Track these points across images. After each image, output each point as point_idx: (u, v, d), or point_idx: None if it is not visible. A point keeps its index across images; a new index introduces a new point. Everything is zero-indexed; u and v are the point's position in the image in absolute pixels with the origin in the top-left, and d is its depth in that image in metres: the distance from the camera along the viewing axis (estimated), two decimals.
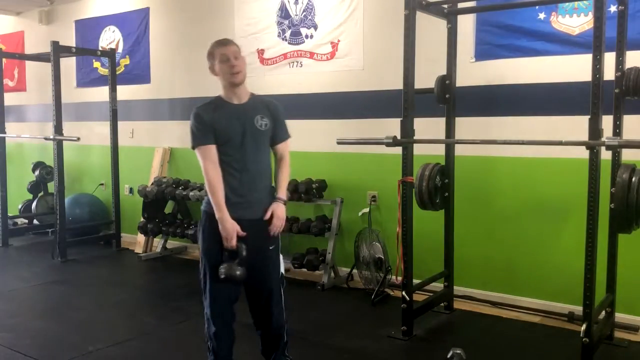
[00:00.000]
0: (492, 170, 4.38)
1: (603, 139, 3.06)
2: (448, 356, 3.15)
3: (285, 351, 2.92)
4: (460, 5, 4.01)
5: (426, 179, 3.80)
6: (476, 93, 4.36)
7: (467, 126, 4.23)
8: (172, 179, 6.03)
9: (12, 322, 4.09)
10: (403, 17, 3.59)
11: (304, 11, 5.30)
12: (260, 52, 5.58)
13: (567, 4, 3.92)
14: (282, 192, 2.81)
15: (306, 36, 5.30)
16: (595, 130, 3.06)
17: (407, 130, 3.62)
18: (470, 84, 4.32)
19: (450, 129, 4.09)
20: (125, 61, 6.75)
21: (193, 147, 2.72)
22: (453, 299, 4.27)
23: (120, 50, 6.75)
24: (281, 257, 2.88)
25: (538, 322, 4.03)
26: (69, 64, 7.00)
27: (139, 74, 6.62)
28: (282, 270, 2.88)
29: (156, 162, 6.42)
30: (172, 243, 6.27)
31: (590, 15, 3.79)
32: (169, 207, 6.21)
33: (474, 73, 4.36)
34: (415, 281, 3.89)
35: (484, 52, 4.35)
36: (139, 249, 6.25)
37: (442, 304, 4.21)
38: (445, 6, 3.95)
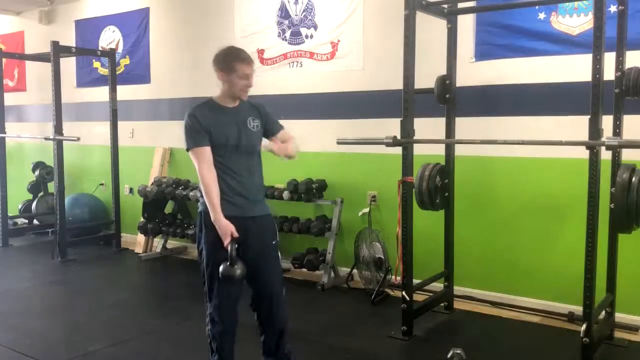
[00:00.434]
0: (492, 170, 4.38)
1: (603, 139, 3.06)
2: (448, 356, 3.15)
3: (286, 348, 2.94)
4: (460, 5, 4.01)
5: (426, 179, 3.80)
6: (476, 93, 4.35)
7: (467, 126, 4.23)
8: (172, 179, 6.03)
9: (12, 322, 4.09)
10: (403, 17, 3.59)
11: (304, 11, 5.30)
12: (260, 52, 5.58)
13: (567, 4, 3.92)
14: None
15: (306, 36, 5.30)
16: (595, 130, 3.06)
17: (407, 130, 3.62)
18: (470, 84, 4.32)
19: (450, 129, 4.09)
20: (125, 61, 6.75)
21: (187, 149, 2.73)
22: (453, 299, 4.27)
23: (120, 50, 6.75)
24: (279, 252, 2.95)
25: (538, 322, 4.03)
26: (69, 64, 7.00)
27: (139, 74, 6.62)
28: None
29: (156, 162, 6.42)
30: (172, 243, 6.27)
31: (590, 15, 3.79)
32: (169, 207, 6.21)
33: (474, 73, 4.36)
34: (415, 281, 3.89)
35: (484, 52, 4.35)
36: (139, 249, 6.25)
37: (442, 304, 4.21)
38: (445, 6, 3.95)
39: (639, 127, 3.60)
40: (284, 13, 5.43)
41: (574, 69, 3.93)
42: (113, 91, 6.29)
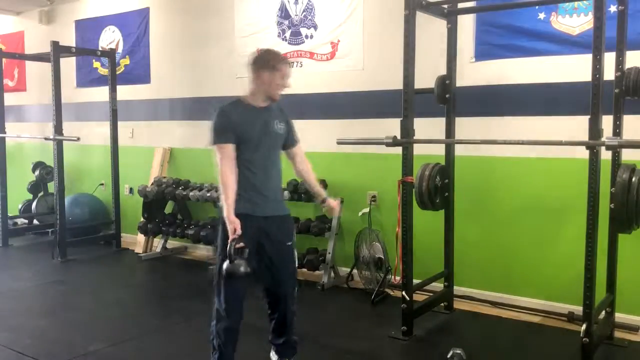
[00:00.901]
0: (492, 170, 4.38)
1: (603, 139, 3.06)
2: (448, 356, 3.15)
3: (293, 338, 3.11)
4: (460, 5, 4.01)
5: (426, 179, 3.80)
6: (476, 93, 4.35)
7: (467, 126, 4.23)
8: (172, 179, 6.03)
9: (12, 322, 4.09)
10: (403, 17, 3.59)
11: (304, 11, 5.30)
12: None
13: (567, 4, 3.92)
14: (322, 191, 3.17)
15: (306, 36, 5.30)
16: (595, 130, 3.06)
17: (407, 130, 3.62)
18: (470, 84, 4.32)
19: (450, 129, 4.09)
20: (125, 61, 6.75)
21: (212, 144, 2.81)
22: (453, 299, 4.27)
23: (120, 50, 6.75)
24: (295, 251, 3.08)
25: (538, 322, 4.03)
26: (69, 64, 7.00)
27: (139, 74, 6.62)
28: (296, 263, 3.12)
29: (156, 162, 6.42)
30: (172, 243, 6.27)
31: (590, 15, 3.79)
32: (169, 207, 6.21)
33: (474, 73, 4.36)
34: (415, 281, 3.89)
35: (484, 52, 4.35)
36: (139, 249, 6.25)
37: (442, 304, 4.21)
38: (445, 6, 3.95)
39: (639, 127, 3.60)
40: (284, 13, 5.43)
41: (574, 69, 3.93)
42: (113, 91, 6.29)
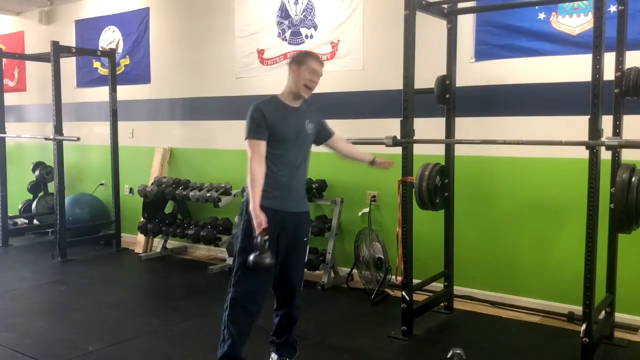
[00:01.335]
0: (492, 170, 4.38)
1: (603, 139, 3.06)
2: (448, 356, 3.15)
3: (294, 336, 3.21)
4: (460, 5, 4.01)
5: (426, 179, 3.80)
6: (476, 93, 4.36)
7: (467, 126, 4.23)
8: (172, 179, 6.03)
9: (12, 322, 4.09)
10: (403, 17, 3.59)
11: (304, 11, 5.30)
12: (260, 52, 5.59)
13: (567, 4, 3.92)
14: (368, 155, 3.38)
15: (306, 36, 5.30)
16: (595, 130, 3.06)
17: (407, 130, 3.62)
18: (470, 84, 4.32)
19: (450, 129, 4.09)
20: (125, 61, 6.75)
21: (246, 139, 2.88)
22: (453, 299, 4.27)
23: (120, 50, 6.75)
24: (308, 247, 3.22)
25: (538, 322, 4.03)
26: (69, 64, 7.01)
27: (139, 74, 6.63)
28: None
29: (156, 162, 6.42)
30: (172, 243, 6.28)
31: (590, 15, 3.79)
32: (169, 207, 6.21)
33: (474, 73, 4.36)
34: (415, 281, 3.89)
35: (483, 52, 4.35)
36: (139, 249, 6.25)
37: (442, 304, 4.21)
38: (445, 6, 3.95)
39: (639, 127, 3.60)
40: (284, 13, 5.43)
41: (573, 69, 3.93)
42: (113, 91, 6.29)
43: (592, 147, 3.08)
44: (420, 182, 3.80)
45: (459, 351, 3.16)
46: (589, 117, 3.07)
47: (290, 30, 5.40)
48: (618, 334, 3.71)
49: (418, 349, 3.62)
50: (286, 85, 2.96)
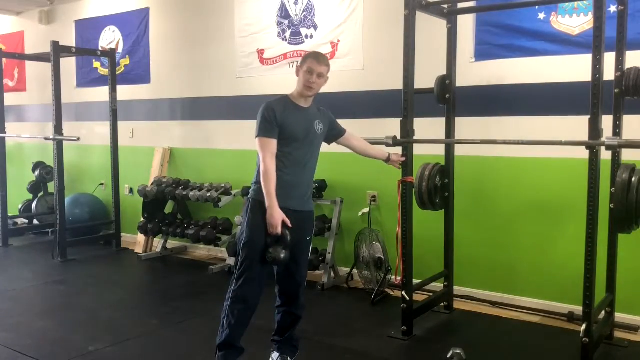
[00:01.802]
0: (492, 170, 4.38)
1: (603, 139, 3.06)
2: (448, 356, 3.15)
3: (296, 334, 3.24)
4: (460, 5, 4.01)
5: (426, 179, 3.80)
6: (476, 93, 4.35)
7: (467, 126, 4.23)
8: (172, 179, 6.03)
9: (12, 322, 4.09)
10: (403, 17, 3.59)
11: (304, 11, 5.30)
12: (260, 52, 5.59)
13: (567, 4, 3.92)
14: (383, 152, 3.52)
15: (306, 36, 5.30)
16: (595, 130, 3.06)
17: (407, 130, 3.62)
18: (470, 84, 4.32)
19: (450, 129, 4.09)
20: (125, 61, 6.75)
21: (257, 137, 2.93)
22: (453, 299, 4.27)
23: (120, 50, 6.75)
24: (310, 246, 3.29)
25: (538, 322, 4.03)
26: (69, 64, 7.00)
27: (139, 74, 6.62)
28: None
29: (156, 162, 6.42)
30: (172, 243, 6.28)
31: (590, 15, 3.79)
32: (169, 207, 6.21)
33: (474, 73, 4.36)
34: (415, 281, 3.89)
35: (483, 52, 4.35)
36: (139, 249, 6.25)
37: (442, 304, 4.21)
38: (445, 6, 3.95)
39: (639, 127, 3.60)
40: (284, 13, 5.43)
41: (574, 69, 3.93)
42: (113, 91, 6.29)
43: (592, 147, 3.08)
44: (420, 182, 3.80)
45: (459, 351, 3.16)
46: (589, 117, 3.07)
47: (290, 30, 5.40)
48: (618, 334, 3.71)
49: (418, 349, 3.62)
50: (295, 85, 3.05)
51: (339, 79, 5.07)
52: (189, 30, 6.18)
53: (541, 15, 4.09)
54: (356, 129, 4.82)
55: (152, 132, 6.59)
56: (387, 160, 3.54)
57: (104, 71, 6.90)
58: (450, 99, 4.06)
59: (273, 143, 2.90)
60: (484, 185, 4.42)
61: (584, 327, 3.14)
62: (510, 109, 4.25)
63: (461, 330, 3.99)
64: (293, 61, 5.35)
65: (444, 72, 4.08)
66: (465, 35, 4.32)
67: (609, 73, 3.26)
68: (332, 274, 4.98)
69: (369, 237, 4.72)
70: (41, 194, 7.35)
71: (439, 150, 4.13)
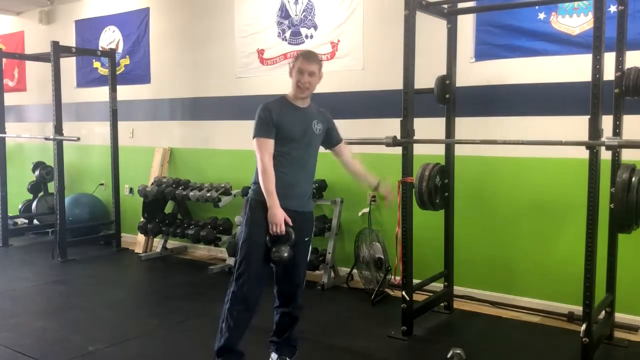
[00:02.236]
0: (492, 170, 4.38)
1: (603, 139, 3.06)
2: (448, 356, 3.16)
3: (294, 335, 3.21)
4: (460, 5, 4.01)
5: (426, 179, 3.80)
6: (476, 93, 4.35)
7: (467, 126, 4.23)
8: (172, 179, 6.03)
9: (12, 322, 4.09)
10: (403, 17, 3.59)
11: (304, 11, 5.30)
12: (260, 52, 5.59)
13: (567, 4, 3.92)
14: (374, 177, 3.31)
15: (306, 36, 5.30)
16: (595, 130, 3.06)
17: (407, 130, 3.62)
18: (470, 84, 4.32)
19: (450, 129, 4.09)
20: (125, 61, 6.75)
21: (254, 137, 2.93)
22: (453, 299, 4.27)
23: (120, 50, 6.75)
24: (310, 247, 3.28)
25: (538, 322, 4.03)
26: (69, 64, 7.00)
27: (139, 74, 6.62)
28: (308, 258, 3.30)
29: (156, 162, 6.42)
30: (172, 243, 6.28)
31: (590, 15, 3.79)
32: (169, 207, 6.21)
33: (474, 73, 4.36)
34: (415, 281, 3.89)
35: (483, 52, 4.35)
36: (139, 249, 6.25)
37: (442, 304, 4.21)
38: (445, 6, 3.95)
39: (639, 127, 3.60)
40: (284, 13, 5.43)
41: (574, 69, 3.93)
42: (113, 91, 6.29)
43: (592, 147, 3.08)
44: (420, 182, 3.80)
45: (459, 351, 3.16)
46: (589, 117, 3.07)
47: (290, 30, 5.40)
48: (618, 334, 3.71)
49: (418, 349, 3.62)
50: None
51: (339, 79, 5.08)
52: (189, 30, 6.19)
53: (541, 15, 4.09)
54: (356, 129, 4.86)
55: (152, 132, 6.59)
56: (376, 188, 3.35)
57: (104, 71, 6.90)
58: (450, 99, 4.06)
59: (270, 143, 2.90)
60: (484, 185, 4.42)
61: (584, 327, 3.14)
62: (510, 109, 4.25)
63: (461, 330, 3.99)
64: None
65: (444, 72, 4.08)
66: (465, 35, 4.32)
67: (609, 73, 3.26)
68: (332, 274, 4.98)
69: (369, 237, 4.72)
70: (41, 194, 7.35)
71: (439, 150, 4.13)
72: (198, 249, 6.25)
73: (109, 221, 6.63)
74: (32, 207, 7.34)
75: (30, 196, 7.44)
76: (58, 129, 5.81)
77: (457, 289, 4.33)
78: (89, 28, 7.12)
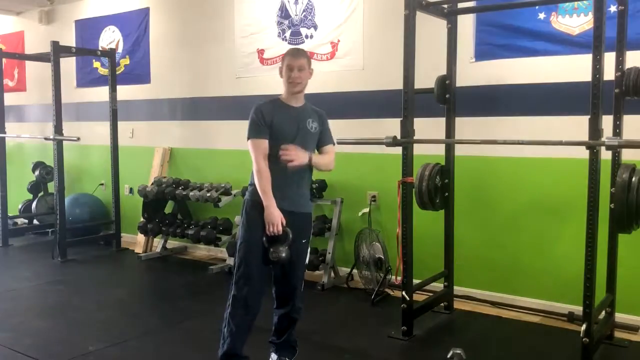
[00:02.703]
0: (492, 170, 4.38)
1: (603, 139, 3.06)
2: (448, 356, 3.15)
3: (294, 336, 3.21)
4: (460, 5, 4.01)
5: (426, 179, 3.80)
6: (476, 93, 4.35)
7: (467, 126, 4.23)
8: (172, 179, 6.03)
9: (12, 322, 4.09)
10: (403, 17, 3.59)
11: (304, 11, 5.30)
12: (260, 52, 5.59)
13: (567, 4, 3.92)
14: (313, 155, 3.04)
15: (306, 36, 5.30)
16: (595, 130, 3.06)
17: (407, 130, 3.62)
18: (470, 84, 4.32)
19: (450, 129, 4.09)
20: (125, 61, 6.75)
21: (248, 138, 2.94)
22: (453, 299, 4.27)
23: (120, 50, 6.75)
24: (308, 249, 3.24)
25: (538, 322, 4.03)
26: (69, 64, 7.00)
27: (139, 74, 6.62)
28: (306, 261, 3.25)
29: (156, 162, 6.42)
30: (172, 243, 6.28)
31: (590, 15, 3.79)
32: (169, 207, 6.21)
33: (474, 73, 4.36)
34: (415, 281, 3.89)
35: (484, 52, 4.35)
36: (139, 249, 6.25)
37: (442, 304, 4.21)
38: (445, 6, 3.95)
39: (639, 127, 3.60)
40: (284, 13, 5.43)
41: (574, 69, 3.93)
42: (113, 91, 6.29)
43: (592, 147, 3.08)
44: (420, 182, 3.79)
45: (459, 351, 3.16)
46: (589, 117, 3.07)
47: (290, 30, 5.40)
48: (618, 334, 3.71)
49: (418, 349, 3.62)
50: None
51: (339, 79, 5.09)
52: (189, 30, 6.18)
53: (541, 15, 4.09)
54: (356, 129, 4.87)
55: (152, 132, 6.59)
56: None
57: (104, 71, 6.90)
58: (450, 99, 4.06)
59: (264, 143, 2.89)
60: (484, 185, 4.42)
61: (584, 327, 3.14)
62: (510, 109, 4.25)
63: (461, 330, 3.99)
64: None
65: (444, 72, 4.08)
66: (465, 35, 4.32)
67: (609, 73, 3.26)
68: (332, 274, 4.98)
69: (369, 237, 4.72)
70: (41, 194, 7.35)
71: (439, 150, 4.13)
72: (198, 249, 6.25)
73: (109, 221, 6.63)
74: (32, 207, 7.34)
75: (30, 196, 7.44)
76: (58, 129, 5.81)
77: (457, 289, 4.32)
78: (89, 28, 7.12)
